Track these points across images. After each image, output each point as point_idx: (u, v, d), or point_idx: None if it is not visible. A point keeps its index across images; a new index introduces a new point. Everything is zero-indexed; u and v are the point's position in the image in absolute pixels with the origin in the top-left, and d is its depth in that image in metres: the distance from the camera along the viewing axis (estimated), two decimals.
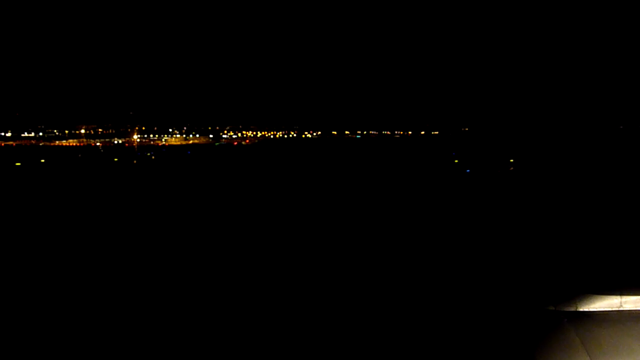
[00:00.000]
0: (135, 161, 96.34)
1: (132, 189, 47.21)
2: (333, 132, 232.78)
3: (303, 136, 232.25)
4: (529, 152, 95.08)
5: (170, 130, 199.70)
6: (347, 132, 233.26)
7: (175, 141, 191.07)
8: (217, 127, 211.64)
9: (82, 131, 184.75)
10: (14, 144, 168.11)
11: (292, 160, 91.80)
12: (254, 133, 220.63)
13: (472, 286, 14.90)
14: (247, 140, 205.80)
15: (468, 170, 63.26)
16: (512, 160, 74.87)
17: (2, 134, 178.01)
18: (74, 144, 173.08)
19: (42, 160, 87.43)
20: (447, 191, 39.79)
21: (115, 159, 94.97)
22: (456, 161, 79.20)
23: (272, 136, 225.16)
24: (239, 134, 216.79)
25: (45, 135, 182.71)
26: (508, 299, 13.64)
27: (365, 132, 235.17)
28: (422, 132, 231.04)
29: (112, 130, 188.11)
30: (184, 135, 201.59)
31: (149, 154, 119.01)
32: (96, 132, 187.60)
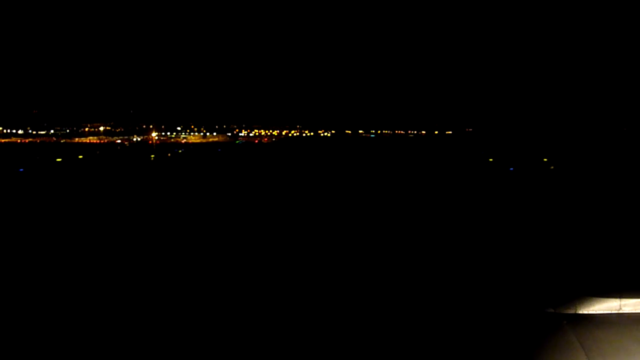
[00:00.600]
0: (169, 154, 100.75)
1: (178, 183, 49.26)
2: (347, 131, 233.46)
3: (320, 134, 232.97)
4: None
5: (187, 129, 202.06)
6: (360, 131, 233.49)
7: (195, 139, 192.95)
8: (233, 126, 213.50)
9: (101, 129, 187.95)
10: (38, 141, 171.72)
11: (318, 156, 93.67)
12: (270, 132, 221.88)
13: (473, 288, 14.92)
14: (266, 139, 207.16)
15: (512, 169, 63.37)
16: (545, 160, 74.87)
17: (20, 131, 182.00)
18: (95, 141, 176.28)
19: (80, 157, 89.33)
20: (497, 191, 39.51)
21: (152, 156, 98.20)
22: (490, 160, 78.88)
23: (289, 135, 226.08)
24: (255, 133, 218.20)
25: (66, 132, 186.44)
26: (508, 301, 13.68)
27: (379, 132, 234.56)
28: (436, 132, 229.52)
29: (127, 128, 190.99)
30: (202, 134, 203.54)
31: (180, 150, 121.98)
32: (114, 130, 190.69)
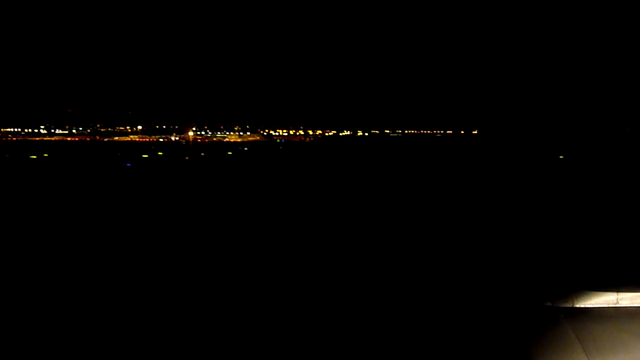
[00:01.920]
0: (230, 152, 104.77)
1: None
2: (375, 131, 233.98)
3: (358, 134, 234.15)
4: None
5: (217, 129, 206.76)
6: (387, 130, 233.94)
7: (234, 138, 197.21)
8: (263, 126, 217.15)
9: (139, 127, 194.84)
10: (77, 139, 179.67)
11: (371, 154, 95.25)
12: (302, 131, 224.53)
13: (469, 282, 14.76)
14: (304, 138, 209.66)
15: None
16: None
17: (58, 130, 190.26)
18: (137, 139, 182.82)
19: (145, 156, 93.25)
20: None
21: (229, 152, 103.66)
22: (561, 157, 77.91)
23: (325, 134, 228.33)
24: (290, 132, 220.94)
25: (108, 131, 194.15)
26: (505, 294, 13.55)
27: (405, 132, 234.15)
28: (462, 132, 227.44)
29: (163, 128, 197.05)
30: (238, 134, 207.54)
31: (245, 148, 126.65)
32: (151, 128, 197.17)
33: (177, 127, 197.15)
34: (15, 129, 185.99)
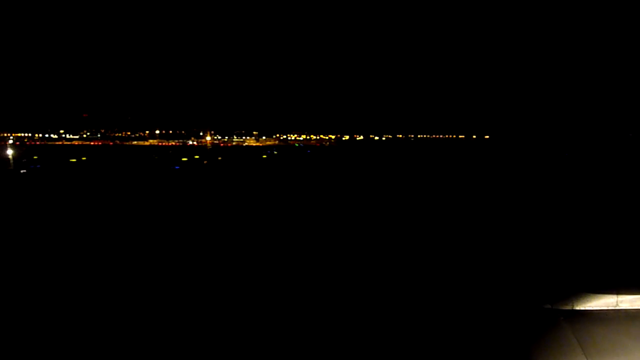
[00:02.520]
0: (264, 155, 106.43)
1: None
2: (388, 135, 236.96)
3: (371, 138, 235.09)
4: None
5: (233, 133, 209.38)
6: (399, 135, 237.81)
7: (252, 142, 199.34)
8: (278, 131, 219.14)
9: (157, 132, 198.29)
10: (99, 144, 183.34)
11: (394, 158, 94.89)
12: (317, 136, 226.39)
13: (469, 284, 14.61)
14: (325, 143, 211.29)
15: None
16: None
17: (76, 135, 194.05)
18: (156, 144, 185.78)
19: (184, 159, 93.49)
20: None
21: (264, 155, 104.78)
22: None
23: (342, 138, 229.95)
24: (305, 137, 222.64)
25: (126, 135, 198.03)
26: (505, 297, 13.43)
27: (418, 136, 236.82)
28: (474, 137, 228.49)
29: (179, 132, 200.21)
30: (254, 138, 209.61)
31: (275, 151, 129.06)
32: (167, 133, 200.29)
33: (194, 130, 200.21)
34: (28, 134, 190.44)
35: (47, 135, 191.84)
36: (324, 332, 12.21)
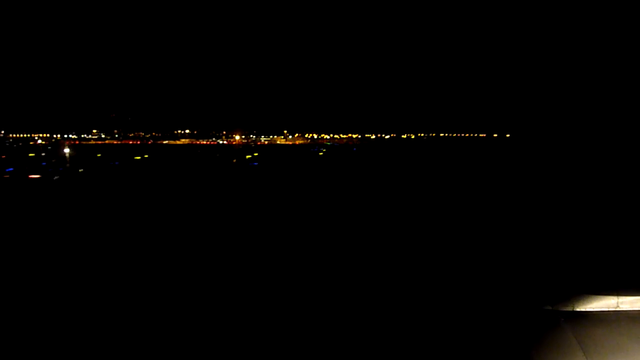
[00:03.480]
0: (320, 153, 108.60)
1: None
2: (421, 134, 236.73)
3: (392, 137, 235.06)
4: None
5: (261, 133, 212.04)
6: (421, 134, 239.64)
7: (282, 141, 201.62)
8: (306, 130, 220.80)
9: (187, 131, 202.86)
10: (138, 143, 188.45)
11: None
12: (346, 135, 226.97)
13: (470, 285, 14.47)
14: (352, 141, 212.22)
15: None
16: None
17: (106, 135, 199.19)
18: (188, 142, 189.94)
19: (248, 156, 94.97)
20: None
21: (321, 152, 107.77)
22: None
23: (370, 138, 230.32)
24: (331, 136, 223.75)
25: (159, 135, 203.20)
26: (506, 298, 13.31)
27: (439, 135, 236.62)
28: (495, 135, 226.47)
29: (208, 132, 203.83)
30: (285, 137, 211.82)
31: (323, 149, 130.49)
32: (200, 133, 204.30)
33: (223, 130, 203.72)
34: (65, 135, 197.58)
35: (82, 136, 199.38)
36: (326, 332, 12.36)
